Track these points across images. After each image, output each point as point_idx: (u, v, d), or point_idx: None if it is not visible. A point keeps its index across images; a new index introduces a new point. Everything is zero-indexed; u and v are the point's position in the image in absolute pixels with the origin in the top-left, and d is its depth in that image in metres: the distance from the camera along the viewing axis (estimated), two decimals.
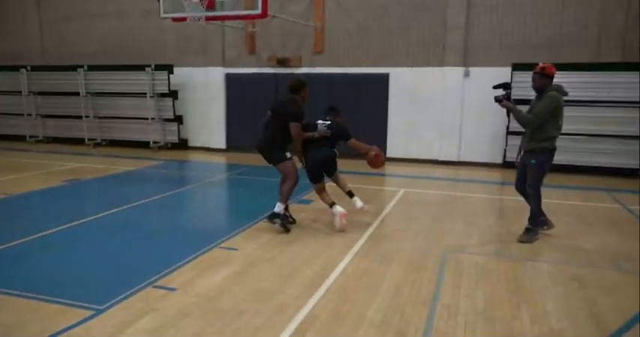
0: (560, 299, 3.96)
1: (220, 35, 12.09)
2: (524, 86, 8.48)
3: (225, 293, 3.97)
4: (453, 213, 6.71)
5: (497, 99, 5.30)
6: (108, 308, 3.67)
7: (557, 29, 9.84)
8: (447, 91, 10.61)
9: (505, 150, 10.17)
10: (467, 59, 10.45)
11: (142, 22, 12.81)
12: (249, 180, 9.08)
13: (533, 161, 5.25)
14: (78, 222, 5.94)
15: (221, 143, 12.58)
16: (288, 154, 5.78)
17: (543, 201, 5.43)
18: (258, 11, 8.93)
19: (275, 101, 6.96)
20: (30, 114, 13.75)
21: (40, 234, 5.45)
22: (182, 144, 12.73)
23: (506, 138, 10.05)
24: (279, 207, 5.71)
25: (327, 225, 6.00)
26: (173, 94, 12.27)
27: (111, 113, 12.98)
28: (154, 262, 4.64)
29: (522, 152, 5.46)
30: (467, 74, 10.47)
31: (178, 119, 12.53)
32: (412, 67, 10.85)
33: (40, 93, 13.63)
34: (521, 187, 5.53)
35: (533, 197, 5.39)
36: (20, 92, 13.62)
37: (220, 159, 11.63)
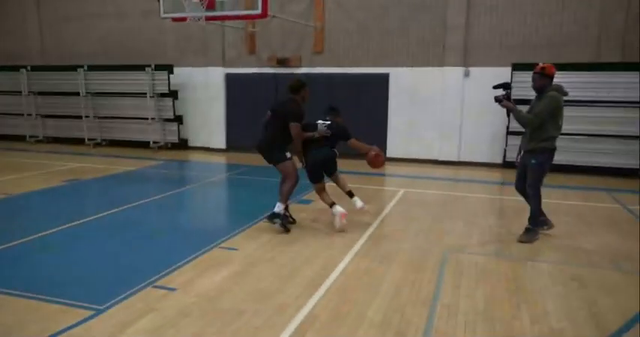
0: (560, 299, 3.96)
1: (220, 35, 12.09)
2: (524, 86, 8.48)
3: (225, 293, 3.97)
4: (453, 213, 6.71)
5: (497, 99, 5.30)
6: (108, 308, 3.67)
7: (557, 29, 9.84)
8: (447, 91, 10.61)
9: (505, 150, 10.17)
10: (467, 59, 10.45)
11: (142, 22, 12.81)
12: (249, 180, 9.09)
13: (533, 161, 5.25)
14: (78, 222, 5.94)
15: (221, 143, 12.59)
16: (288, 154, 5.78)
17: (543, 201, 5.43)
18: (258, 11, 8.93)
19: (275, 101, 6.96)
20: (30, 114, 13.75)
21: (40, 234, 5.45)
22: (182, 144, 12.73)
23: (506, 138, 10.05)
24: (279, 207, 5.72)
25: (327, 225, 6.00)
26: (173, 94, 12.27)
27: (111, 113, 12.98)
28: (154, 262, 4.64)
29: (522, 152, 5.46)
30: (467, 74, 10.47)
31: (178, 119, 12.53)
32: (412, 67, 10.85)
33: (40, 93, 13.64)
34: (522, 187, 5.53)
35: (533, 197, 5.39)
36: (20, 92, 13.62)
37: (220, 159, 11.63)
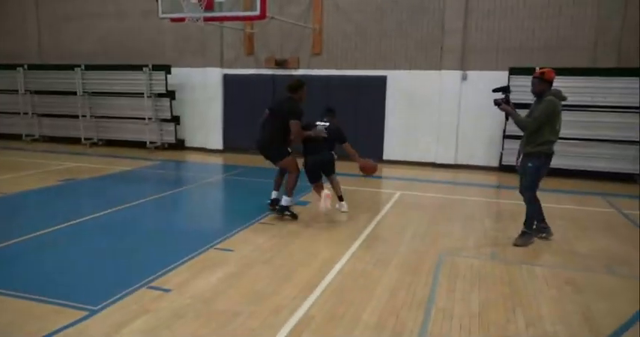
0: (554, 303, 3.98)
1: (219, 36, 12.09)
2: (521, 90, 8.52)
3: (220, 295, 3.97)
4: (449, 215, 6.72)
5: (496, 103, 5.35)
6: (103, 308, 3.66)
7: (554, 33, 9.89)
8: (444, 94, 10.64)
9: (502, 154, 10.19)
10: (464, 63, 10.48)
11: (140, 23, 12.79)
12: (246, 181, 9.08)
13: (529, 164, 5.28)
14: (74, 222, 5.92)
15: (218, 144, 12.57)
16: (289, 149, 6.09)
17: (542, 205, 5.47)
18: (257, 12, 8.93)
19: (273, 100, 7.05)
20: (26, 113, 13.69)
21: (35, 234, 5.43)
22: (179, 145, 12.70)
23: (503, 141, 10.08)
24: (286, 201, 6.09)
25: (323, 226, 6.04)
26: (170, 95, 12.25)
27: (108, 113, 12.95)
28: (150, 263, 4.63)
29: (521, 155, 5.50)
30: (464, 77, 10.51)
31: (175, 119, 12.51)
32: (410, 69, 10.88)
33: (37, 92, 13.58)
34: None
35: (528, 200, 5.42)
36: (17, 91, 13.57)
37: (217, 160, 11.62)
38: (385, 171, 10.46)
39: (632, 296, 4.11)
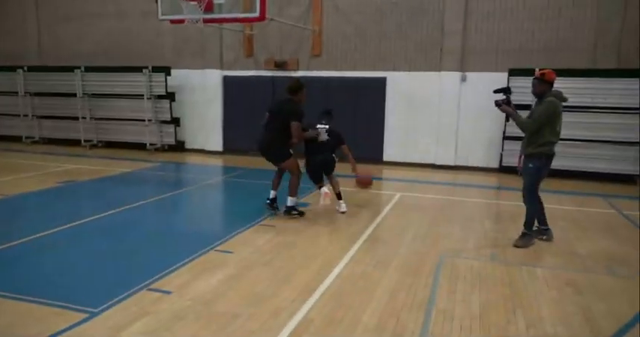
0: (555, 304, 3.97)
1: (218, 38, 12.09)
2: (520, 91, 8.51)
3: (220, 297, 3.96)
4: (449, 217, 6.72)
5: (497, 104, 5.37)
6: (103, 310, 3.65)
7: (554, 35, 9.89)
8: (444, 96, 10.64)
9: (501, 155, 10.20)
10: (464, 64, 10.49)
11: (139, 24, 12.81)
12: (246, 182, 9.08)
13: (530, 165, 5.29)
14: (73, 224, 5.92)
15: (218, 145, 12.57)
16: (291, 151, 6.21)
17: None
18: (257, 14, 8.93)
19: (272, 102, 7.10)
20: (26, 115, 13.69)
21: (35, 236, 5.42)
22: (179, 146, 12.70)
23: (503, 142, 10.08)
24: (291, 201, 6.24)
25: (323, 228, 6.04)
26: (170, 96, 12.26)
27: (108, 114, 12.95)
28: (150, 264, 4.63)
29: (522, 157, 5.50)
30: (464, 79, 10.51)
31: (175, 121, 12.51)
32: (409, 71, 10.88)
33: (37, 94, 13.59)
34: None
35: (528, 201, 5.41)
36: (17, 93, 13.57)
37: (217, 162, 11.61)
38: (385, 172, 10.47)
39: (633, 296, 4.11)
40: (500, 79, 9.59)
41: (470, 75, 10.47)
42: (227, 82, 12.26)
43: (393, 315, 3.70)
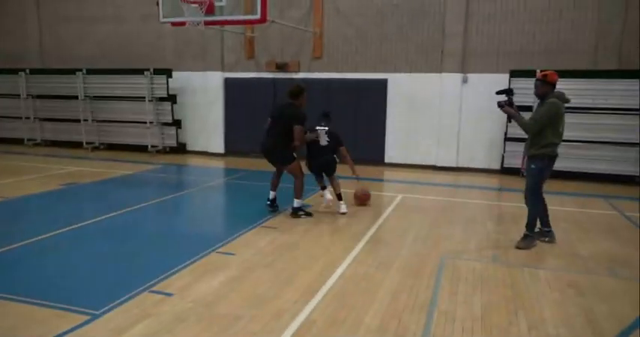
0: (557, 305, 3.96)
1: (219, 40, 12.11)
2: (521, 92, 8.49)
3: (222, 299, 3.96)
4: (450, 218, 6.71)
5: (500, 105, 5.38)
6: (104, 313, 3.65)
7: (555, 37, 9.90)
8: (445, 97, 10.64)
9: (503, 156, 10.20)
10: (465, 65, 10.49)
11: (141, 26, 12.84)
12: (247, 184, 9.08)
13: (532, 166, 5.30)
14: (75, 226, 5.93)
15: (219, 147, 12.58)
16: (294, 154, 6.34)
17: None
18: (258, 16, 8.94)
19: (274, 107, 7.24)
20: (28, 118, 13.73)
21: (37, 238, 5.43)
22: (180, 149, 12.72)
23: (504, 144, 10.08)
24: (297, 203, 6.39)
25: (325, 230, 6.05)
26: (172, 98, 12.28)
27: (109, 117, 12.97)
28: (151, 266, 4.63)
29: (526, 158, 5.51)
30: (465, 80, 10.51)
31: (177, 123, 12.53)
32: (410, 72, 10.89)
33: (39, 97, 13.62)
34: None
35: (531, 202, 5.41)
36: (19, 95, 13.60)
37: (218, 164, 11.62)
38: (386, 174, 10.47)
39: (635, 298, 4.10)
40: (502, 80, 9.59)
41: (471, 76, 10.48)
42: (228, 84, 12.28)
43: (395, 316, 3.69)
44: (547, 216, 5.58)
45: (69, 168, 10.15)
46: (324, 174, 6.91)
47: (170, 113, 12.29)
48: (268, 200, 6.71)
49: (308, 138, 6.46)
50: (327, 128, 6.64)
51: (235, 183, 9.37)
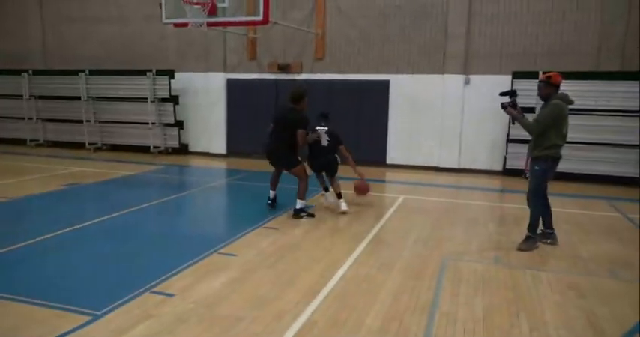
0: (558, 307, 3.96)
1: (222, 41, 12.13)
2: (524, 94, 8.48)
3: (223, 300, 3.97)
4: (452, 220, 6.71)
5: (503, 106, 5.40)
6: (106, 313, 3.66)
7: (557, 38, 9.88)
8: (447, 99, 10.64)
9: (505, 158, 10.18)
10: (467, 67, 10.48)
11: (143, 27, 12.87)
12: (249, 185, 9.09)
13: (536, 167, 5.30)
14: (77, 227, 5.94)
15: (221, 148, 12.60)
16: (299, 157, 6.48)
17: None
18: (260, 18, 8.96)
19: (276, 111, 7.35)
20: (31, 118, 13.76)
21: (39, 238, 5.44)
22: (182, 149, 12.74)
23: (507, 145, 10.06)
24: (300, 204, 6.43)
25: (327, 231, 6.04)
26: (174, 99, 12.29)
27: (112, 117, 13.00)
28: (153, 267, 4.64)
29: (529, 159, 5.51)
30: (467, 82, 10.51)
31: (179, 124, 12.55)
32: (413, 74, 10.89)
33: (42, 97, 13.66)
34: None
35: (533, 204, 5.40)
36: (21, 96, 13.64)
37: (221, 165, 11.64)
38: (388, 175, 10.47)
39: (636, 300, 4.09)
40: (504, 81, 9.58)
41: (473, 77, 10.47)
42: (230, 85, 12.29)
43: (396, 318, 3.69)
44: (550, 217, 5.57)
45: (71, 169, 10.17)
46: (325, 175, 7.00)
47: (172, 114, 12.32)
48: (269, 199, 6.87)
49: (310, 139, 6.57)
50: (327, 128, 6.76)
51: (237, 184, 9.37)
